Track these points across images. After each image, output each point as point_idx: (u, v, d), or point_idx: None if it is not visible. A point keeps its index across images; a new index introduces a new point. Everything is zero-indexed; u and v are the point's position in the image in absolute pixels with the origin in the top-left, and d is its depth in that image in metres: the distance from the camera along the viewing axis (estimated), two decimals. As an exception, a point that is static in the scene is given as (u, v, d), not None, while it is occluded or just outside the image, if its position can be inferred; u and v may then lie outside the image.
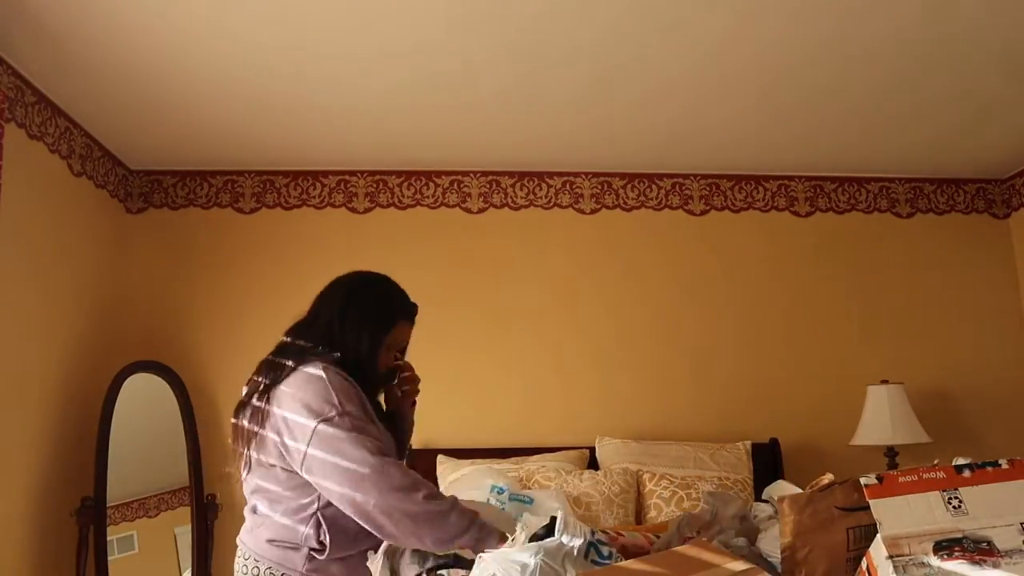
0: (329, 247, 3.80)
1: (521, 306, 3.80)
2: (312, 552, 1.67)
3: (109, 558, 3.15)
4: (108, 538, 3.18)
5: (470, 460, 3.35)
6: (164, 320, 3.68)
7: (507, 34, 2.71)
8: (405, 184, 3.91)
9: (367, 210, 3.87)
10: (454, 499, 1.61)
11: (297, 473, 1.66)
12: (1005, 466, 1.26)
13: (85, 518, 3.13)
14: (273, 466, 1.71)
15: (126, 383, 3.34)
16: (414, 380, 2.02)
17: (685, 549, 1.35)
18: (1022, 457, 1.28)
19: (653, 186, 3.99)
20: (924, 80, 3.05)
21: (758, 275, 3.92)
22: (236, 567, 1.77)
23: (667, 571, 1.24)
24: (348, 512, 1.59)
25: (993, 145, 3.71)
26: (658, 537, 1.60)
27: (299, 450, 1.62)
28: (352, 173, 3.90)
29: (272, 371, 1.75)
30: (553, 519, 1.42)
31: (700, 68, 2.95)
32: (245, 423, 1.77)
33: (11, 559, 2.88)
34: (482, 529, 1.58)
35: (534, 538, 1.40)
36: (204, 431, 3.56)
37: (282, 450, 1.67)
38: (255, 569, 1.70)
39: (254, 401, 1.74)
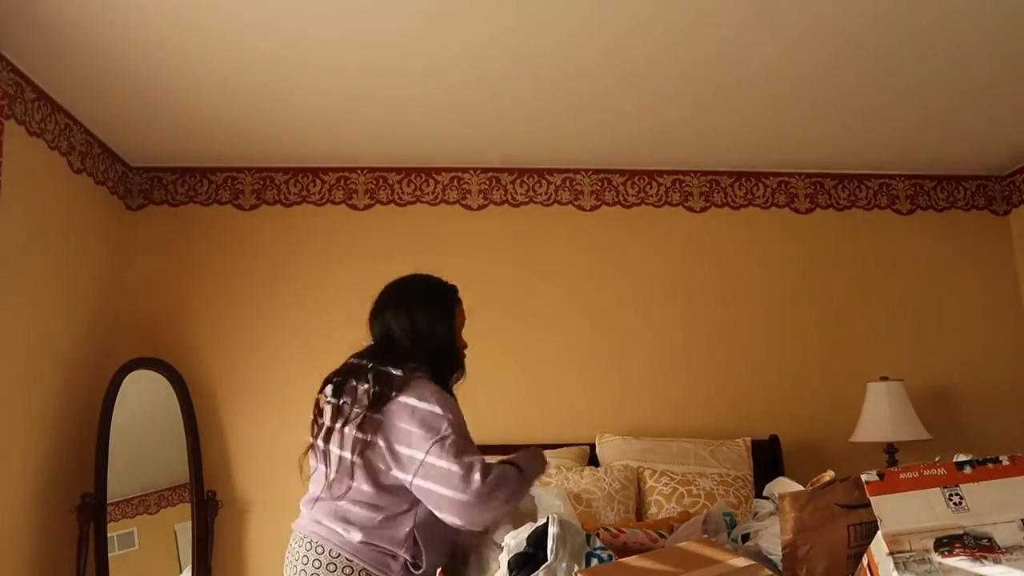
0: (329, 244, 3.80)
1: (521, 303, 3.80)
2: (409, 565, 1.74)
3: (109, 555, 3.15)
4: (108, 535, 3.18)
5: (470, 457, 3.35)
6: (164, 317, 3.68)
7: (509, 35, 2.71)
8: (405, 181, 3.90)
9: (367, 207, 3.87)
10: (510, 473, 1.79)
11: (397, 485, 1.76)
12: (1006, 462, 1.26)
13: (85, 515, 3.13)
14: (377, 474, 1.76)
15: (126, 380, 3.34)
16: None
17: (687, 545, 1.36)
18: (1023, 453, 1.28)
19: (653, 183, 3.98)
20: (924, 79, 3.04)
21: (758, 272, 3.92)
22: (303, 557, 1.77)
23: (670, 567, 1.24)
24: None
25: (993, 142, 3.71)
26: (660, 534, 1.60)
27: (414, 461, 1.72)
28: (352, 170, 3.90)
29: (380, 381, 1.80)
30: (539, 530, 1.42)
31: (702, 69, 2.94)
32: (348, 428, 1.79)
33: (11, 556, 2.88)
34: (529, 467, 1.86)
35: (512, 564, 1.40)
36: (204, 428, 3.56)
37: (391, 460, 1.74)
38: (347, 568, 1.72)
39: (362, 408, 1.78)
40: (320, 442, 1.84)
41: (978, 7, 2.57)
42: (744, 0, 2.53)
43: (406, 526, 1.75)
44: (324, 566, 1.73)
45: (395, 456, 1.73)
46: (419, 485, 1.71)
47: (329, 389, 1.90)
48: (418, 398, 1.76)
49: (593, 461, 3.50)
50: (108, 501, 3.19)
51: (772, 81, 3.06)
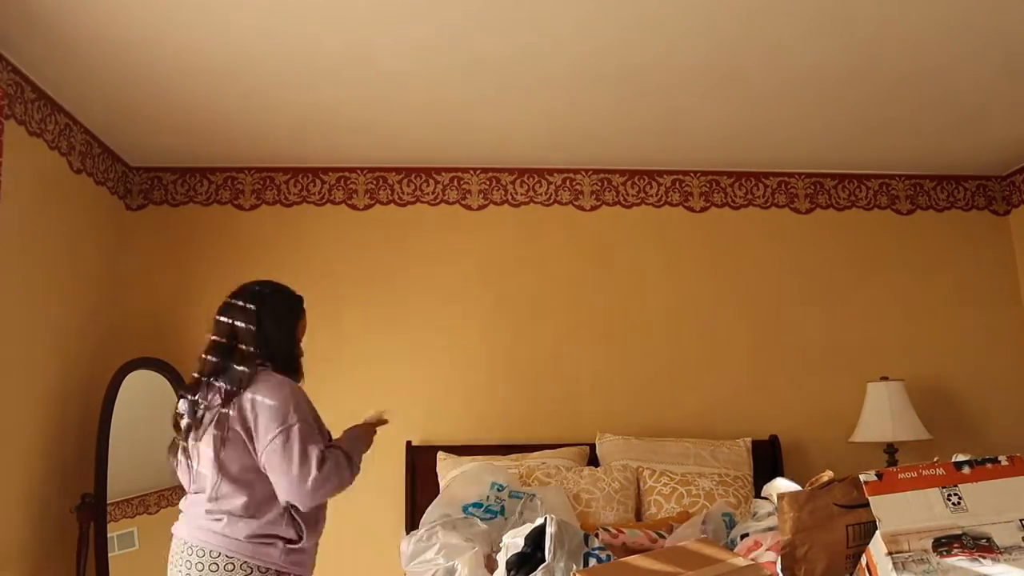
0: (329, 244, 3.80)
1: (522, 303, 3.80)
2: (288, 544, 1.88)
3: (109, 554, 3.15)
4: (108, 535, 3.18)
5: (470, 456, 3.36)
6: (164, 317, 3.68)
7: (510, 35, 2.71)
8: (405, 181, 3.90)
9: (367, 207, 3.87)
10: (341, 460, 1.96)
11: (259, 471, 1.91)
12: (1005, 463, 1.27)
13: (85, 515, 3.13)
14: (241, 467, 1.91)
15: (126, 380, 3.34)
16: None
17: (688, 545, 1.36)
18: (1022, 454, 1.28)
19: (653, 183, 3.98)
20: (924, 77, 3.04)
21: (758, 272, 3.92)
22: (189, 564, 1.86)
23: (671, 566, 1.24)
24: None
25: (993, 142, 3.71)
26: (659, 534, 1.60)
27: (262, 448, 1.88)
28: (352, 170, 3.90)
29: (229, 380, 1.97)
30: (537, 530, 1.42)
31: (703, 69, 2.94)
32: (213, 430, 1.94)
33: (11, 556, 2.88)
34: (354, 449, 2.05)
35: (510, 564, 1.40)
36: (204, 428, 3.56)
37: (250, 449, 1.90)
38: (228, 565, 1.83)
39: (219, 408, 1.93)
40: (185, 443, 1.99)
41: (979, 6, 2.57)
42: (763, 18, 2.53)
43: (278, 507, 1.89)
44: (207, 567, 1.82)
45: (252, 444, 1.89)
46: (265, 469, 1.86)
47: (182, 404, 2.05)
48: (265, 390, 1.91)
49: (593, 461, 3.50)
50: (108, 501, 3.19)
51: (772, 81, 3.06)
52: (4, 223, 2.76)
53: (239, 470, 1.89)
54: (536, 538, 1.40)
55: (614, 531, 1.71)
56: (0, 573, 2.82)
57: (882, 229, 4.02)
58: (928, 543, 1.17)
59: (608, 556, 1.37)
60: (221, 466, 1.89)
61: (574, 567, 1.32)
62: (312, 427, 1.94)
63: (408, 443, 3.54)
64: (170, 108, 3.22)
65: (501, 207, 3.91)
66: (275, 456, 1.85)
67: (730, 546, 1.69)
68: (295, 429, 1.87)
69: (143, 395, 3.42)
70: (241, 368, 1.96)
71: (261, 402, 1.90)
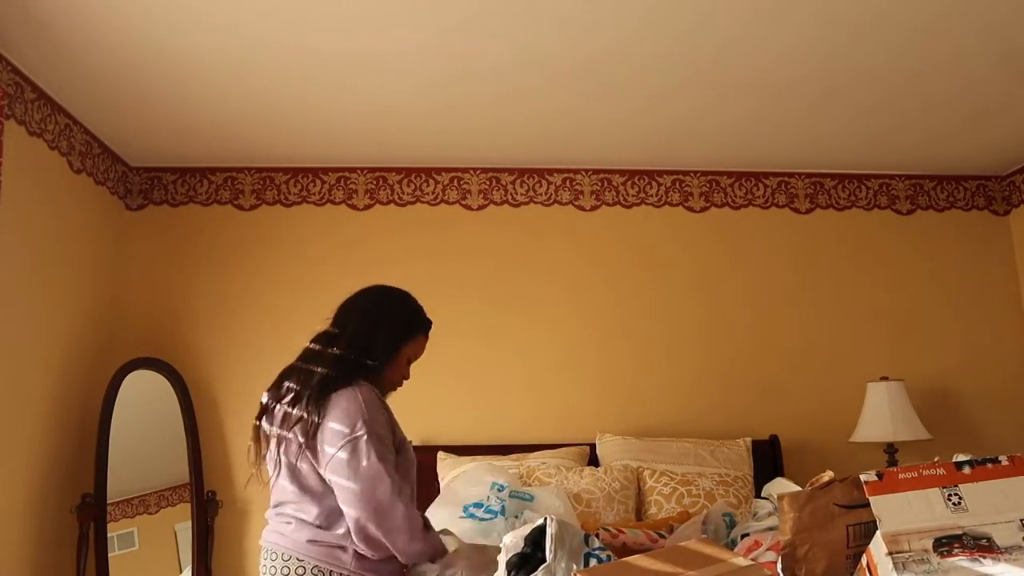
0: (329, 244, 3.80)
1: (522, 303, 3.80)
2: (358, 553, 1.77)
3: (109, 555, 3.16)
4: (108, 535, 3.18)
5: (471, 456, 3.36)
6: (164, 317, 3.68)
7: (510, 40, 2.72)
8: (405, 181, 3.90)
9: (367, 207, 3.87)
10: (435, 544, 1.79)
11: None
12: (1005, 463, 1.26)
13: (85, 515, 3.14)
14: (310, 469, 1.80)
15: (126, 380, 3.34)
16: None
17: (689, 544, 1.36)
18: (1022, 454, 1.28)
19: (653, 183, 3.98)
20: (924, 77, 3.05)
21: (757, 272, 3.92)
22: (265, 567, 1.81)
23: (672, 566, 1.24)
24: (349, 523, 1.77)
25: (993, 142, 3.71)
26: (660, 534, 1.60)
27: (327, 455, 1.76)
28: (352, 170, 3.90)
29: (310, 379, 1.86)
30: (537, 530, 1.42)
31: (703, 69, 2.94)
32: (279, 430, 1.85)
33: (11, 556, 2.88)
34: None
35: (511, 564, 1.40)
36: (204, 428, 3.56)
37: (318, 454, 1.79)
38: (299, 568, 1.76)
39: (296, 408, 1.82)
40: (262, 445, 1.90)
41: (978, 6, 2.57)
42: (745, 1, 2.53)
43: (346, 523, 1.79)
44: (279, 570, 1.77)
45: (321, 452, 1.79)
46: (330, 479, 1.77)
47: (267, 393, 1.96)
48: (343, 400, 1.80)
49: (593, 461, 3.50)
50: (108, 501, 3.19)
51: (773, 81, 3.06)
52: (4, 223, 2.76)
53: (310, 480, 1.81)
54: (536, 538, 1.40)
55: (614, 531, 1.71)
56: (0, 573, 2.82)
57: (882, 229, 4.02)
58: (928, 543, 1.17)
59: (609, 556, 1.37)
60: (291, 469, 1.82)
61: (575, 567, 1.32)
62: (384, 443, 1.80)
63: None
64: (170, 108, 3.22)
65: (501, 207, 3.91)
66: (337, 465, 1.75)
67: (730, 546, 1.69)
68: (363, 440, 1.75)
69: (143, 395, 3.42)
70: (333, 373, 1.85)
71: (338, 409, 1.79)
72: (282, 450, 1.82)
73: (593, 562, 1.36)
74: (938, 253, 4.01)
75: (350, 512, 1.74)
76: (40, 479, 3.06)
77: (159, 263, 3.74)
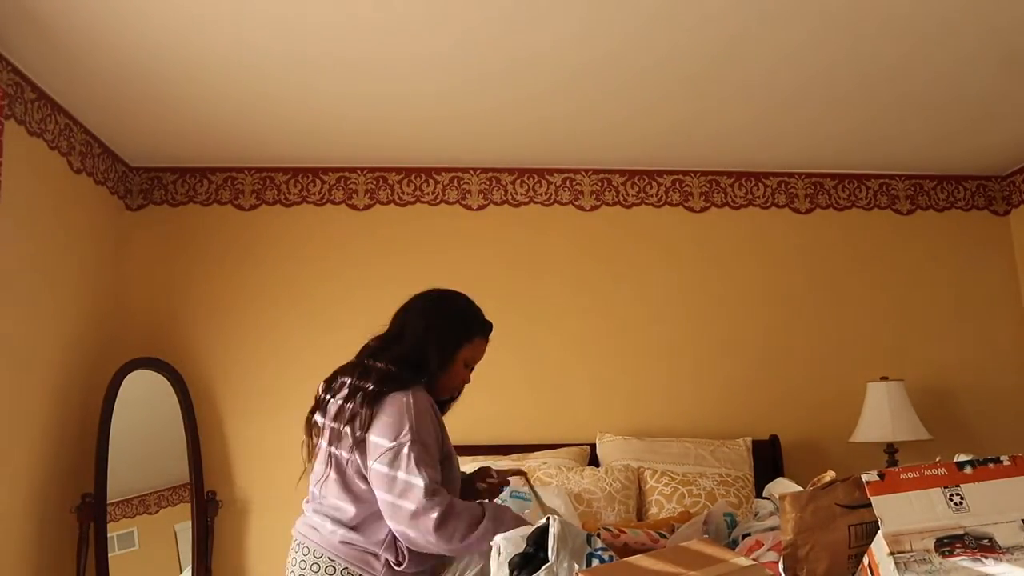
0: (329, 244, 3.80)
1: (522, 303, 3.80)
2: (391, 564, 1.74)
3: (109, 555, 3.15)
4: (108, 535, 3.18)
5: (471, 456, 3.35)
6: (164, 317, 3.68)
7: (513, 44, 2.73)
8: (405, 181, 3.90)
9: (367, 207, 3.87)
10: (482, 526, 1.71)
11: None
12: (1007, 463, 1.26)
13: (85, 515, 3.13)
14: (356, 470, 1.78)
15: (126, 380, 3.34)
16: (494, 490, 2.12)
17: (690, 545, 1.36)
18: (1023, 453, 1.28)
19: (653, 183, 3.98)
20: (925, 78, 3.05)
21: (757, 272, 3.92)
22: (295, 560, 1.79)
23: (673, 566, 1.24)
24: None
25: (993, 142, 3.71)
26: (661, 534, 1.60)
27: (369, 467, 1.74)
28: (352, 170, 3.90)
29: (367, 376, 1.83)
30: (539, 531, 1.42)
31: (704, 69, 2.94)
32: (333, 423, 1.82)
33: (11, 556, 2.88)
34: (497, 523, 1.71)
35: (513, 564, 1.40)
36: (204, 428, 3.56)
37: (363, 460, 1.76)
38: (329, 568, 1.74)
39: (351, 404, 1.80)
40: (313, 438, 1.87)
41: (979, 7, 2.57)
42: (747, 2, 2.53)
43: (386, 528, 1.75)
44: (309, 567, 1.76)
45: (365, 456, 1.76)
46: (373, 486, 1.75)
47: (321, 386, 1.93)
48: (394, 404, 1.77)
49: (593, 461, 3.50)
50: (108, 501, 3.19)
51: (773, 82, 3.06)
52: (4, 223, 2.76)
53: (352, 481, 1.79)
54: (538, 539, 1.40)
55: (616, 531, 1.71)
56: (0, 573, 2.81)
57: (882, 229, 4.02)
58: (930, 543, 1.17)
59: (611, 556, 1.36)
60: (336, 470, 1.79)
61: (577, 567, 1.32)
62: (428, 453, 1.75)
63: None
64: (170, 108, 3.22)
65: (501, 207, 3.91)
66: (376, 475, 1.72)
67: (732, 546, 1.69)
68: (406, 448, 1.71)
69: (143, 395, 3.42)
70: (388, 373, 1.82)
71: (387, 414, 1.76)
72: (334, 445, 1.80)
73: (595, 562, 1.36)
74: (938, 253, 4.01)
75: (389, 523, 1.72)
76: (40, 479, 3.06)
77: (159, 263, 3.73)
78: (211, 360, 3.65)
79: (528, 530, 1.47)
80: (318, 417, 1.88)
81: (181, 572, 3.42)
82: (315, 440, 1.87)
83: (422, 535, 1.67)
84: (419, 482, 1.68)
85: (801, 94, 3.18)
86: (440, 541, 1.67)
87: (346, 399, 1.81)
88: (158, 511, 3.43)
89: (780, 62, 2.90)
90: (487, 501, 1.81)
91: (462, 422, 3.64)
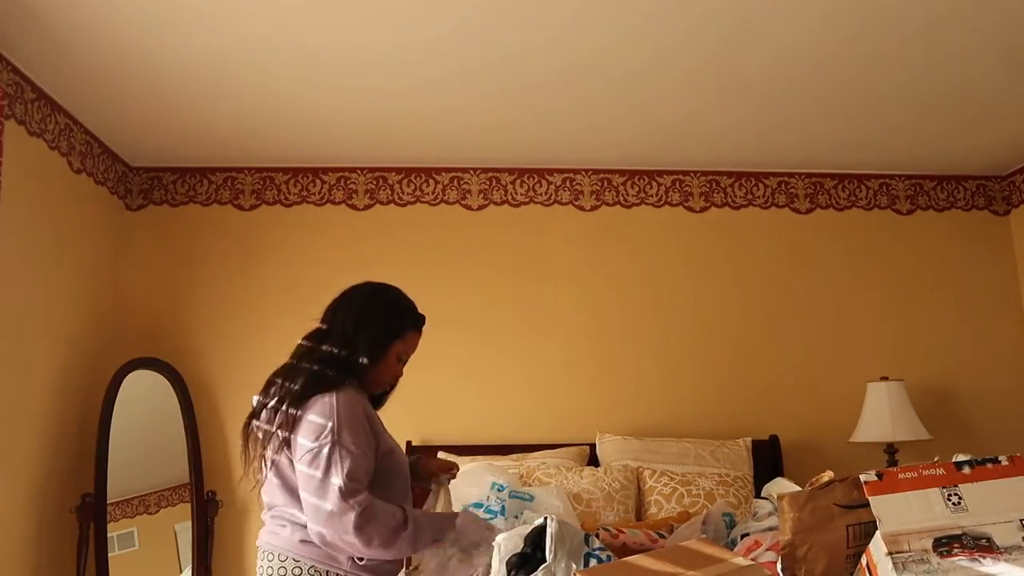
0: (329, 244, 3.80)
1: (522, 303, 3.80)
2: (354, 558, 1.73)
3: (109, 555, 3.16)
4: (108, 535, 3.18)
5: (471, 456, 3.36)
6: (164, 317, 3.68)
7: (509, 39, 2.72)
8: (405, 181, 3.90)
9: (367, 207, 3.87)
10: (406, 533, 1.69)
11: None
12: (1005, 463, 1.26)
13: (85, 515, 3.14)
14: (292, 471, 1.77)
15: (126, 380, 3.34)
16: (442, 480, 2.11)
17: (689, 544, 1.36)
18: (1022, 454, 1.28)
19: (653, 183, 3.98)
20: (925, 77, 3.04)
21: (757, 272, 3.92)
22: (262, 568, 1.79)
23: (672, 566, 1.24)
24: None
25: (993, 142, 3.71)
26: (660, 534, 1.60)
27: (296, 469, 1.73)
28: (352, 170, 3.90)
29: (296, 377, 1.83)
30: (537, 530, 1.42)
31: (703, 68, 2.94)
32: (266, 426, 1.82)
33: (11, 556, 2.88)
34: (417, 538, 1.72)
35: (510, 564, 1.40)
36: (204, 428, 3.56)
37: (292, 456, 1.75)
38: (296, 569, 1.74)
39: (281, 406, 1.79)
40: (251, 446, 1.86)
41: (978, 5, 2.57)
42: (764, 20, 2.53)
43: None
44: (276, 571, 1.76)
45: (293, 458, 1.75)
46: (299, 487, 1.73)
47: (255, 398, 1.91)
48: (318, 405, 1.75)
49: (593, 461, 3.50)
50: (108, 501, 3.19)
51: (773, 81, 3.06)
52: (4, 223, 2.76)
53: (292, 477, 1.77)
54: (536, 538, 1.40)
55: (614, 531, 1.71)
56: (0, 573, 2.82)
57: (882, 229, 4.02)
58: (928, 543, 1.17)
59: (609, 556, 1.36)
60: (277, 469, 1.79)
61: (574, 567, 1.32)
62: (350, 452, 1.71)
63: (408, 443, 3.54)
64: (170, 108, 3.22)
65: (501, 207, 3.91)
66: (301, 476, 1.71)
67: (730, 546, 1.69)
68: (325, 450, 1.69)
69: (143, 395, 3.42)
70: (322, 372, 1.80)
71: (312, 413, 1.74)
72: (271, 449, 1.79)
73: (593, 562, 1.36)
74: (938, 253, 4.01)
75: (310, 524, 1.70)
76: (40, 479, 3.06)
77: (159, 263, 3.74)
78: (211, 360, 3.65)
79: (526, 529, 1.47)
80: (255, 423, 1.86)
81: (181, 572, 3.42)
82: (254, 447, 1.84)
83: (339, 536, 1.65)
84: (336, 482, 1.65)
85: (799, 94, 3.17)
86: (359, 543, 1.65)
87: (278, 402, 1.80)
88: (158, 511, 3.43)
89: (778, 57, 2.90)
90: (408, 506, 1.78)
91: (462, 422, 3.67)
